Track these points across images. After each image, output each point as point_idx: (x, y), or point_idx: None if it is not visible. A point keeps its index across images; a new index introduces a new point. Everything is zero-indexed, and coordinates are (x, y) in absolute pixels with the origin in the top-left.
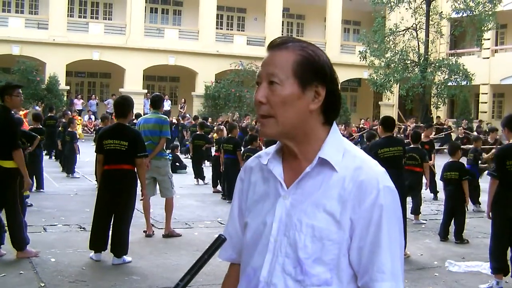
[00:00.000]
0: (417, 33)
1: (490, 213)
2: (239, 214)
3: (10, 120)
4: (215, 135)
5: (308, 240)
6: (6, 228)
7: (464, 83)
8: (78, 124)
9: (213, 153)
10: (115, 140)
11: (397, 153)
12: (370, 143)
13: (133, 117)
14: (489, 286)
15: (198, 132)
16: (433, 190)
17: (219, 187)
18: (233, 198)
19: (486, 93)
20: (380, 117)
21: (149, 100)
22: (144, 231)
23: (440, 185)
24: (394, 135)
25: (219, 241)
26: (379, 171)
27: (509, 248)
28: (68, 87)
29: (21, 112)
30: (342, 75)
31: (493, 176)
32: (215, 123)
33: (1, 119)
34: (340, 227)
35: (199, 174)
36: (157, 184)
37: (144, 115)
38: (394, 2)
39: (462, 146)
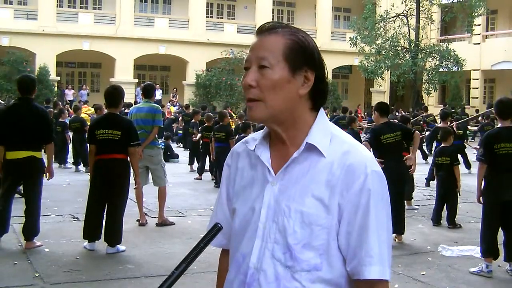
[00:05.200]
0: (407, 19)
1: (481, 198)
2: (227, 200)
3: (47, 113)
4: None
5: (297, 225)
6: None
7: (455, 69)
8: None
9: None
10: (108, 130)
11: (398, 138)
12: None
13: (124, 107)
14: (478, 269)
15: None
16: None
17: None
18: (220, 184)
19: (477, 79)
20: (373, 103)
21: (141, 89)
22: (137, 220)
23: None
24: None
25: (215, 229)
26: (367, 156)
27: (503, 233)
28: (58, 78)
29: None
30: (333, 62)
31: (481, 161)
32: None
33: (37, 111)
34: (329, 212)
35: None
36: (150, 173)
37: (135, 104)
38: None
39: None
